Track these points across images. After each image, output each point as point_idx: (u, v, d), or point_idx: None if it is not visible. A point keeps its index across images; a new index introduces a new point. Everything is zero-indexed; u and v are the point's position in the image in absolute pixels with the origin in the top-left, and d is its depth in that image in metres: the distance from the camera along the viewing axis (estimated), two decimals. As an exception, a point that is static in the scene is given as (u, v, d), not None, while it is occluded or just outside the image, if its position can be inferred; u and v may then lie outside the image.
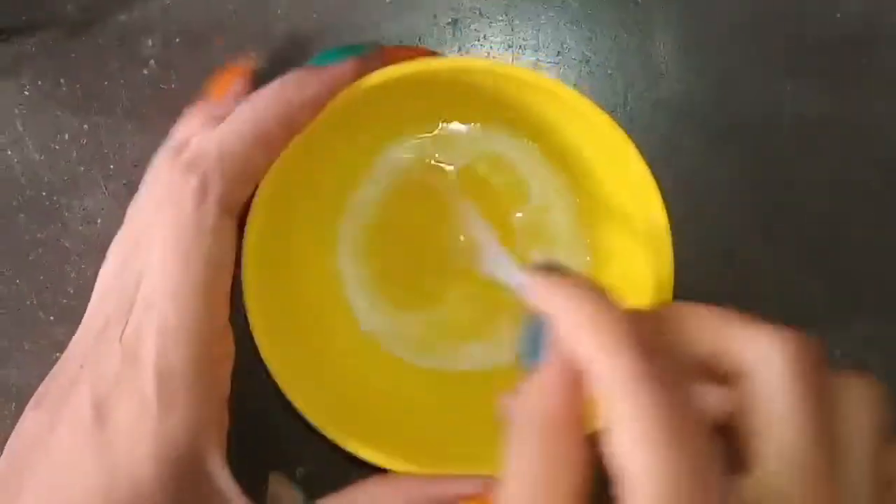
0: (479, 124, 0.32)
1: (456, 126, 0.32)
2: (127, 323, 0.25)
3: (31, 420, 0.27)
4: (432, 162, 0.33)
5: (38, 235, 0.34)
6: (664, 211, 0.27)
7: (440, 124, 0.32)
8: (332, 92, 0.27)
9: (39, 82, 0.34)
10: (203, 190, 0.25)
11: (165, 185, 0.26)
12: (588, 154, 0.31)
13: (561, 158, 0.32)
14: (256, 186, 0.27)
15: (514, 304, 0.31)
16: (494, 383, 0.32)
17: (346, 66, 0.27)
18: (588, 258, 0.32)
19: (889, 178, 0.34)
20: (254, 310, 0.28)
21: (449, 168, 0.33)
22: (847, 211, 0.34)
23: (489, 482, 0.27)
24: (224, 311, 0.26)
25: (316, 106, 0.27)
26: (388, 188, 0.33)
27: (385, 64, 0.28)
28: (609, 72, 0.34)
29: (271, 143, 0.27)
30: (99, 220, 0.34)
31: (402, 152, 0.33)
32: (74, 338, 0.27)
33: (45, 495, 0.25)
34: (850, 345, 0.33)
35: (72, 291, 0.34)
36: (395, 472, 0.28)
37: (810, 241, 0.34)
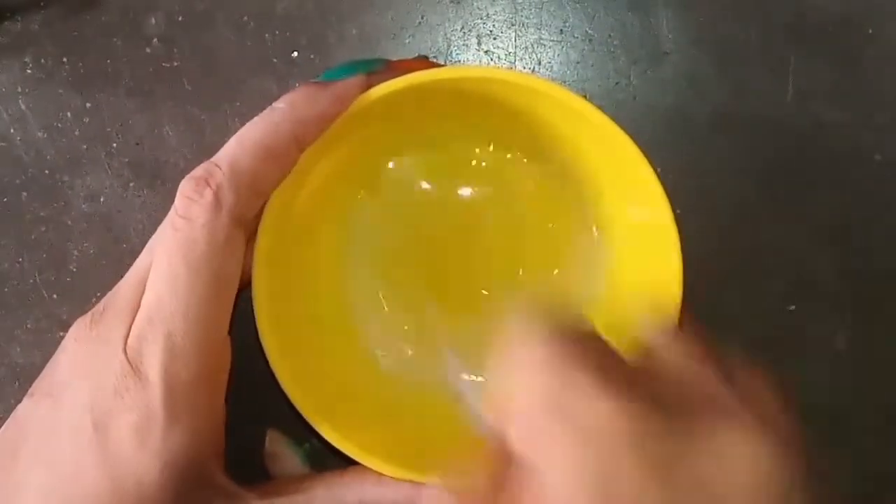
0: (485, 130, 0.32)
1: (462, 135, 0.32)
2: (129, 332, 0.26)
3: (27, 410, 0.27)
4: (440, 173, 0.33)
5: (41, 213, 0.34)
6: (672, 219, 0.27)
7: (448, 134, 0.32)
8: (341, 107, 0.27)
9: (42, 60, 0.34)
10: (216, 204, 0.25)
11: (179, 198, 0.26)
12: (594, 162, 0.31)
13: (566, 166, 0.32)
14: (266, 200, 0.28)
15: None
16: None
17: (355, 81, 0.28)
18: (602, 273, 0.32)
19: (893, 151, 0.34)
20: (265, 324, 0.28)
21: (460, 184, 0.33)
22: (854, 186, 0.34)
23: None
24: (227, 322, 0.27)
25: (325, 121, 0.27)
26: (397, 200, 0.33)
27: (393, 76, 0.28)
28: (612, 50, 0.34)
29: (282, 158, 0.27)
30: (101, 198, 0.34)
31: (412, 163, 0.33)
32: (73, 328, 0.27)
33: (47, 498, 0.25)
34: (857, 316, 0.34)
35: (74, 270, 0.34)
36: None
37: (817, 217, 0.34)
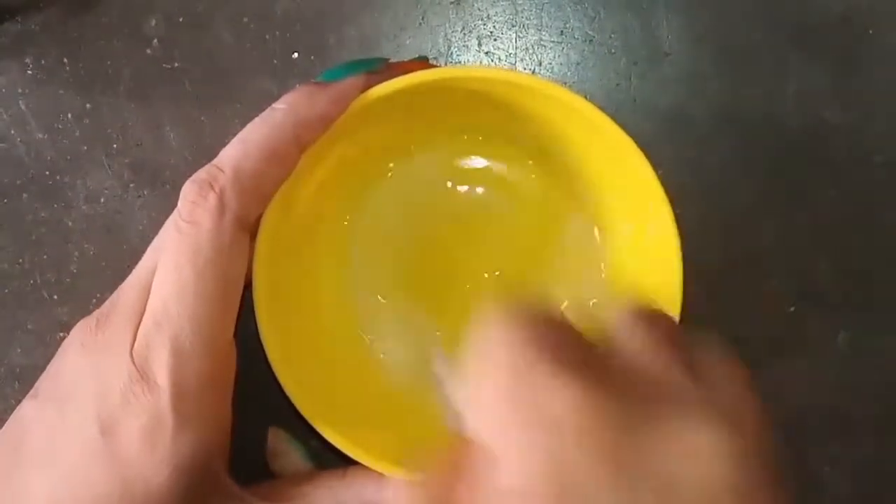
0: (485, 131, 0.32)
1: (462, 136, 0.32)
2: (135, 337, 0.26)
3: (30, 411, 0.27)
4: (444, 170, 0.33)
5: (42, 215, 0.34)
6: (673, 219, 0.27)
7: (448, 134, 0.32)
8: (341, 107, 0.27)
9: (43, 62, 0.34)
10: (221, 207, 0.26)
11: (182, 201, 0.26)
12: (595, 163, 0.31)
13: (567, 167, 0.32)
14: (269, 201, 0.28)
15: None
16: None
17: (355, 81, 0.28)
18: (602, 269, 0.32)
19: (893, 152, 0.34)
20: (265, 324, 0.28)
21: (460, 185, 0.33)
22: (852, 187, 0.34)
23: None
24: (233, 324, 0.27)
25: (326, 121, 0.27)
26: (397, 199, 0.33)
27: (392, 76, 0.28)
28: (613, 51, 0.34)
29: (284, 160, 0.27)
30: (102, 199, 0.34)
31: (412, 163, 0.33)
32: (78, 332, 0.27)
33: (54, 501, 0.25)
34: (857, 316, 0.34)
35: (75, 271, 0.34)
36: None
37: (816, 217, 0.34)
